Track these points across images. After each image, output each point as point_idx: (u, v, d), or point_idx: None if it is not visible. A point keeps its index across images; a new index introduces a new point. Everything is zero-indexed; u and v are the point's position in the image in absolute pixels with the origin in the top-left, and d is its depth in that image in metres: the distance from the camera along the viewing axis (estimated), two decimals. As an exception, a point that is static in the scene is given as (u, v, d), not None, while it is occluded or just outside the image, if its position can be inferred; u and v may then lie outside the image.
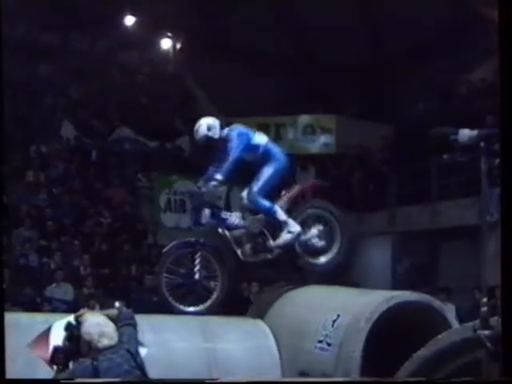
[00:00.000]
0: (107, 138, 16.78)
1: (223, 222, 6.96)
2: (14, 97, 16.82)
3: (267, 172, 6.93)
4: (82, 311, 4.96)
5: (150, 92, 19.12)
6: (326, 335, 6.01)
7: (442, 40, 15.60)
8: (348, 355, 5.72)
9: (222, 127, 7.07)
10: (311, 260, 7.10)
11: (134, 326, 4.87)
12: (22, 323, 6.03)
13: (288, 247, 6.95)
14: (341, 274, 9.13)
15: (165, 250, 6.95)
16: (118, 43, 19.32)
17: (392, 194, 14.03)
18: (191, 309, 6.80)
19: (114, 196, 14.80)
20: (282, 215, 6.88)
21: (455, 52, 15.17)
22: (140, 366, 4.64)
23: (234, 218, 6.99)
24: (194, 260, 6.85)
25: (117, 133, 16.89)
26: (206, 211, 6.90)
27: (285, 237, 6.89)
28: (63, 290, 11.27)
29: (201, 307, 6.86)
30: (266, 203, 6.89)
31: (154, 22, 18.51)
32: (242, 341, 6.56)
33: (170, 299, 6.69)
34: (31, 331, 5.96)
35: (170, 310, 6.65)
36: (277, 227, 6.92)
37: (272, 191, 6.98)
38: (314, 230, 7.05)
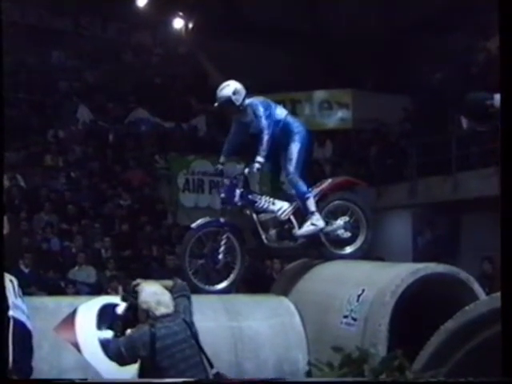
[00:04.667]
0: (123, 121, 16.80)
1: (253, 205, 6.88)
2: (29, 83, 16.88)
3: (296, 148, 6.82)
4: (138, 281, 5.00)
5: (164, 72, 19.08)
6: (352, 310, 5.98)
7: (455, 7, 15.36)
8: (374, 329, 5.69)
9: (244, 98, 6.90)
10: (336, 251, 7.05)
11: (189, 297, 4.99)
12: (48, 307, 6.05)
13: (313, 237, 6.90)
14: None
15: (191, 227, 6.86)
16: (130, 25, 19.28)
17: (412, 166, 13.92)
18: (209, 288, 6.78)
19: (133, 178, 14.84)
20: (312, 204, 6.81)
21: (470, 18, 14.94)
22: (195, 335, 4.74)
23: (264, 201, 6.89)
24: (217, 240, 6.78)
25: (132, 115, 16.90)
26: (237, 192, 6.82)
27: (307, 228, 6.82)
28: (86, 273, 11.33)
29: (219, 286, 6.83)
30: (304, 187, 6.81)
31: (166, 1, 18.42)
32: (266, 318, 6.55)
33: (193, 278, 6.67)
34: (57, 315, 5.98)
35: (192, 289, 6.64)
36: (303, 216, 6.85)
37: (303, 168, 6.86)
38: (340, 222, 6.98)
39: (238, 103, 6.84)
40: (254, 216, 6.87)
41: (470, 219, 13.29)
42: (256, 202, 6.88)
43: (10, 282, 4.60)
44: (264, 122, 6.73)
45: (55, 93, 17.06)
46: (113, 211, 13.58)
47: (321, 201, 6.95)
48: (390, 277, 5.94)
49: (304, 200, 6.79)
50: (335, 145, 16.41)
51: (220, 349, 5.95)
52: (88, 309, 6.06)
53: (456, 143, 12.80)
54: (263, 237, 6.85)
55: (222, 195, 6.93)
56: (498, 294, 4.45)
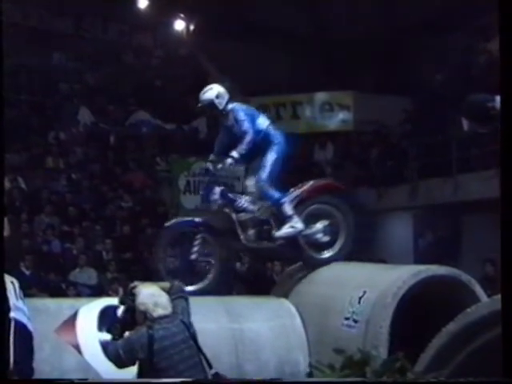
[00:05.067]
0: (124, 123, 16.80)
1: (232, 203, 6.89)
2: (30, 84, 16.89)
3: (272, 158, 6.82)
4: (135, 283, 5.00)
5: (165, 74, 19.07)
6: (353, 312, 5.98)
7: (455, 7, 15.34)
8: (375, 331, 5.69)
9: (227, 102, 6.93)
10: (314, 254, 7.01)
11: (186, 299, 4.97)
12: (49, 309, 6.05)
13: (291, 240, 6.87)
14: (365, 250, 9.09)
15: (165, 227, 6.92)
16: (130, 26, 19.27)
17: (412, 168, 13.91)
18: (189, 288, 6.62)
19: (134, 180, 14.83)
20: (288, 208, 6.80)
21: (470, 19, 14.93)
22: (194, 336, 4.74)
23: (244, 201, 6.91)
24: (193, 240, 6.77)
25: (133, 117, 16.91)
26: (217, 189, 6.85)
27: (286, 230, 6.81)
28: (87, 275, 11.33)
29: (194, 287, 6.73)
30: (275, 194, 6.82)
31: (166, 2, 18.41)
32: (267, 320, 6.55)
33: (168, 278, 6.57)
34: (58, 316, 5.98)
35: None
36: (279, 220, 6.84)
37: (277, 178, 6.87)
38: (319, 225, 6.95)
39: (220, 107, 6.91)
40: (233, 215, 6.85)
41: (471, 221, 13.27)
42: (236, 200, 6.89)
43: (11, 284, 4.60)
44: (245, 127, 6.77)
45: (56, 94, 17.06)
46: (114, 213, 13.57)
47: (301, 203, 6.92)
48: (392, 279, 5.94)
49: (279, 206, 6.80)
50: (336, 147, 16.38)
51: (221, 350, 5.95)
52: (89, 311, 6.06)
53: (456, 145, 12.79)
54: (241, 237, 6.84)
55: (201, 193, 6.93)
56: (499, 296, 4.44)
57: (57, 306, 6.21)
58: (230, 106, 6.93)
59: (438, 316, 5.25)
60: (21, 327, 4.49)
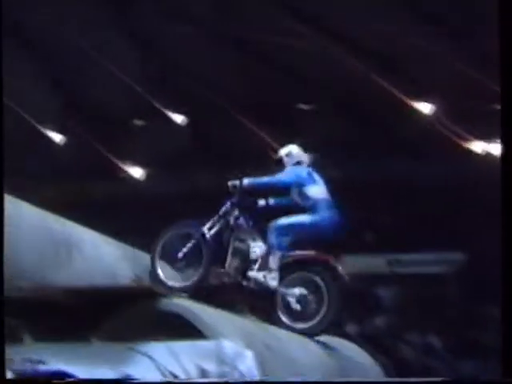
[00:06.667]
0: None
1: (236, 227, 7.07)
2: None
3: (301, 218, 7.02)
4: None
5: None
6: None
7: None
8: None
9: (296, 163, 7.30)
10: (288, 322, 6.90)
11: None
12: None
13: (267, 295, 6.93)
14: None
15: (165, 228, 7.15)
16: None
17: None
18: (176, 285, 6.84)
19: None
20: (274, 262, 6.85)
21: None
22: None
23: (248, 233, 7.09)
24: (186, 242, 6.97)
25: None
26: (236, 212, 7.09)
27: (258, 275, 6.87)
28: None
29: (180, 285, 6.88)
30: (275, 239, 6.92)
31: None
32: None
33: (162, 276, 6.84)
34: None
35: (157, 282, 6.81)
36: (262, 266, 6.90)
37: (291, 234, 6.97)
38: (296, 291, 6.87)
39: (287, 165, 7.29)
40: (232, 240, 7.05)
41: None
42: (241, 228, 7.07)
43: None
44: (283, 172, 7.19)
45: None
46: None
47: (292, 265, 6.94)
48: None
49: (268, 253, 6.89)
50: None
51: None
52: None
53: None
54: (227, 262, 6.99)
55: (223, 208, 7.13)
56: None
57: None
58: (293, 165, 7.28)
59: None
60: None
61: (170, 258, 6.95)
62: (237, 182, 7.01)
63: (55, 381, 4.84)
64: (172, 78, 16.80)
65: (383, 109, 15.00)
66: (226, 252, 7.01)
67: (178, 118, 17.92)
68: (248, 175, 7.13)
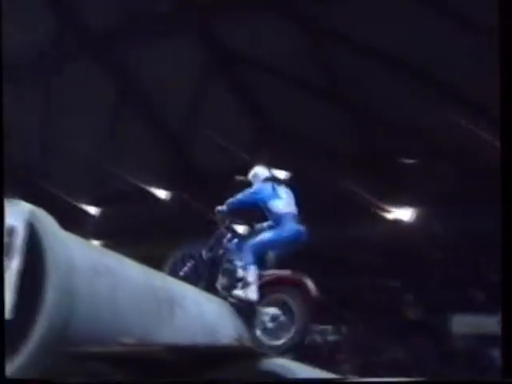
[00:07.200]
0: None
1: (226, 249, 7.62)
2: None
3: (268, 234, 7.48)
4: None
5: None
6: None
7: None
8: None
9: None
10: (263, 338, 7.19)
11: None
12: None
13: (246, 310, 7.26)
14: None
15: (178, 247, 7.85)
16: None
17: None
18: None
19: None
20: (251, 276, 7.27)
21: None
22: None
23: (236, 254, 7.54)
24: (187, 262, 7.65)
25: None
26: (229, 235, 7.65)
27: (238, 293, 7.30)
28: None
29: None
30: (248, 257, 7.38)
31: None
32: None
33: None
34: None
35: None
36: (244, 284, 7.31)
37: (265, 250, 7.50)
38: (269, 310, 7.22)
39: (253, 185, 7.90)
40: (223, 261, 7.56)
41: None
42: (230, 250, 7.59)
43: None
44: (250, 189, 7.73)
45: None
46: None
47: (271, 284, 7.33)
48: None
49: (245, 269, 7.32)
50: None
51: None
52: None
53: None
54: (218, 282, 7.47)
55: (218, 231, 7.73)
56: None
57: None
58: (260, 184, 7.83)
59: None
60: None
61: (175, 276, 7.48)
62: (220, 208, 7.57)
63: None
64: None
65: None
66: (217, 272, 7.53)
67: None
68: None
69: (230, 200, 7.62)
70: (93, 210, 20.80)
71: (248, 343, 6.68)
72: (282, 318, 7.18)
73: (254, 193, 7.67)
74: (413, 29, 14.02)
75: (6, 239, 5.23)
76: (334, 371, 7.63)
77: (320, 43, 15.84)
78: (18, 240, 5.22)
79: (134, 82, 17.96)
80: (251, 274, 7.29)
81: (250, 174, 7.96)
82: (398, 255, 16.61)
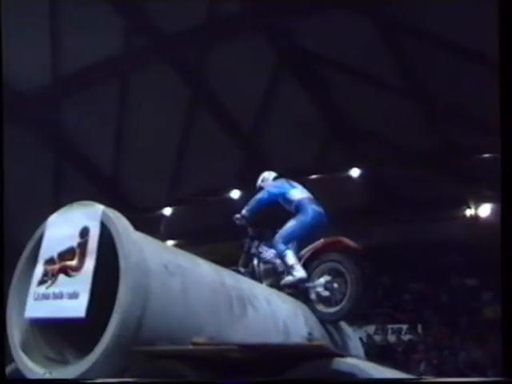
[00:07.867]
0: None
1: (259, 254, 7.87)
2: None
3: (292, 223, 7.67)
4: None
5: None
6: None
7: None
8: None
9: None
10: (320, 308, 7.37)
11: None
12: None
13: (300, 291, 7.43)
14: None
15: None
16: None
17: None
18: None
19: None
20: (290, 259, 7.46)
21: None
22: None
23: (270, 253, 7.80)
24: None
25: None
26: (256, 242, 7.92)
27: (287, 278, 7.45)
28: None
29: None
30: (281, 246, 7.55)
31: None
32: None
33: None
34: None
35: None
36: (287, 271, 7.50)
37: (293, 240, 7.64)
38: (321, 280, 7.38)
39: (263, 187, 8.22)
40: (262, 265, 7.79)
41: None
42: (262, 252, 7.86)
43: None
44: (265, 189, 7.98)
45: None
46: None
47: (312, 260, 7.48)
48: None
49: (282, 257, 7.54)
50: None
51: None
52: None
53: None
54: (265, 283, 7.62)
55: (245, 245, 8.00)
56: None
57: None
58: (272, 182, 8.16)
59: None
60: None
61: None
62: (238, 216, 7.77)
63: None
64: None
65: None
66: (260, 280, 7.69)
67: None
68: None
69: (248, 204, 7.86)
70: (166, 210, 21.14)
71: (321, 342, 6.63)
72: (335, 282, 7.33)
73: (270, 190, 7.94)
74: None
75: (79, 240, 5.35)
76: (408, 371, 7.50)
77: (397, 41, 15.68)
78: (92, 241, 5.32)
79: (206, 84, 18.14)
80: (290, 258, 7.47)
81: (259, 180, 8.28)
82: (477, 253, 16.27)
